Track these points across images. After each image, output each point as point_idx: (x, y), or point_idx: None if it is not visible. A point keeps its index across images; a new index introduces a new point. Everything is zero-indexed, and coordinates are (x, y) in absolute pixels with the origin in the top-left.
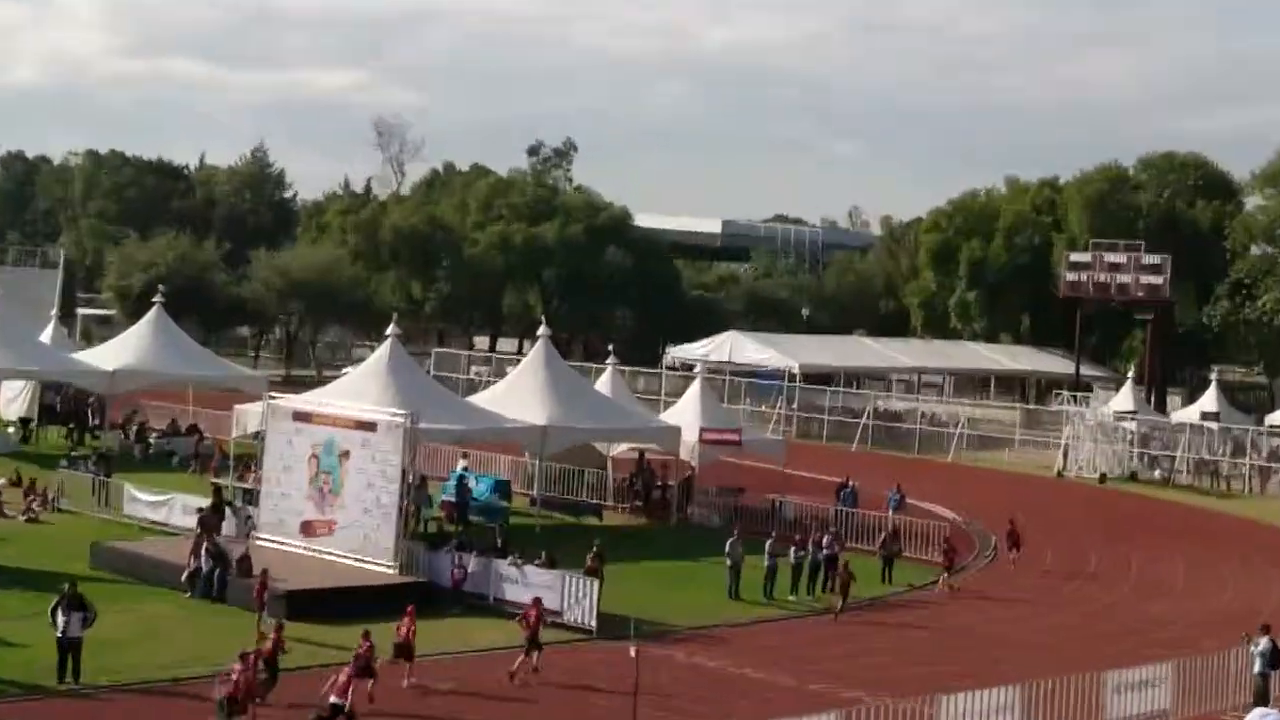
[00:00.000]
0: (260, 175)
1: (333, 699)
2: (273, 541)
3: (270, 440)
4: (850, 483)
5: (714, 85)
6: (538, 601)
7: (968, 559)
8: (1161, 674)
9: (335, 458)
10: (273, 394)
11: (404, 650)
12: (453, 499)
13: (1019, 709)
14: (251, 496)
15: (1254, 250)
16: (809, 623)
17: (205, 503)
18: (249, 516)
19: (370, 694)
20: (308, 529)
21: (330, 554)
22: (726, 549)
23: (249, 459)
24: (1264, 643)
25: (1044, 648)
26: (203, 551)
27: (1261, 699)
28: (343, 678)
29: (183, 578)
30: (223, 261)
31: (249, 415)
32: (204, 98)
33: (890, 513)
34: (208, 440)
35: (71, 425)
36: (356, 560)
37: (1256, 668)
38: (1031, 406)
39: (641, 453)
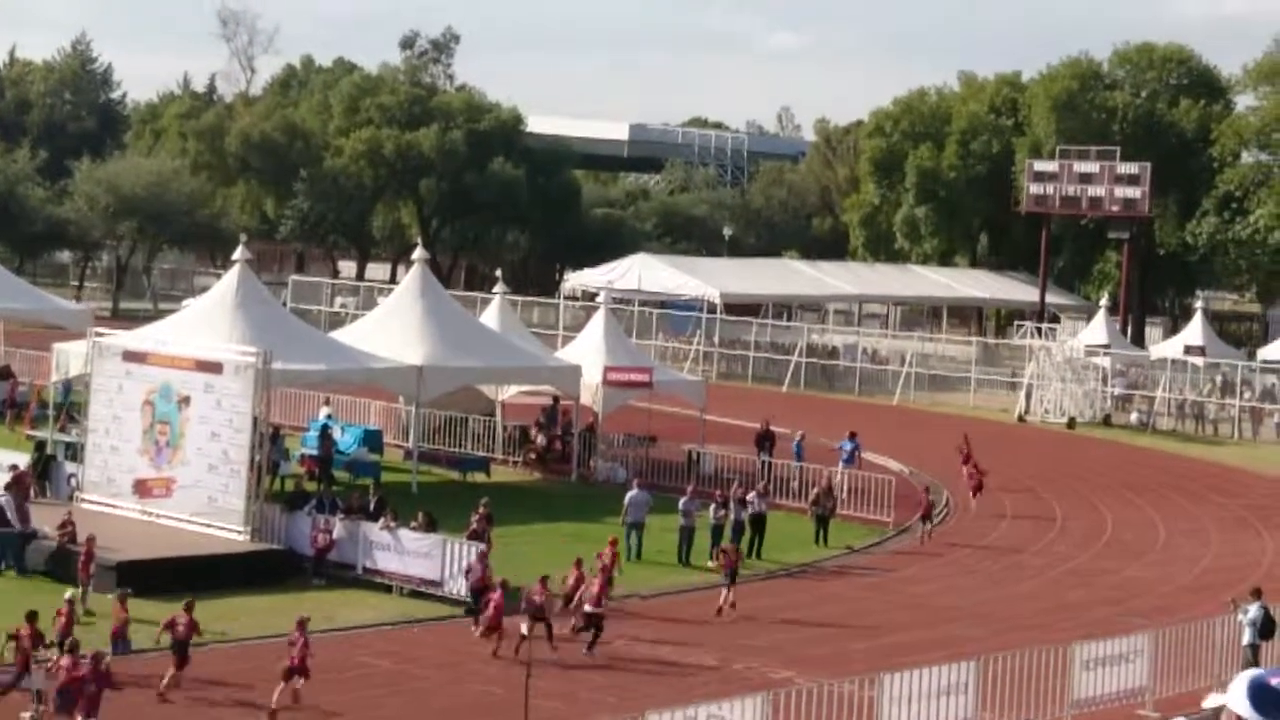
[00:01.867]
0: (82, 72)
1: (588, 608)
2: (101, 504)
3: (96, 385)
4: (800, 435)
5: None
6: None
7: (915, 518)
8: (1137, 646)
9: (173, 405)
10: (99, 330)
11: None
12: (314, 452)
13: (973, 689)
14: (75, 451)
15: (1245, 158)
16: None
17: (21, 459)
18: (72, 475)
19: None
20: (142, 489)
21: (169, 518)
22: (680, 506)
23: (73, 408)
24: (1254, 609)
25: (1003, 618)
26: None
27: None
28: (595, 588)
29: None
30: (39, 174)
31: (71, 356)
32: None
33: (841, 467)
34: (23, 385)
35: None
36: (200, 525)
37: (1246, 638)
38: (990, 341)
39: (556, 398)
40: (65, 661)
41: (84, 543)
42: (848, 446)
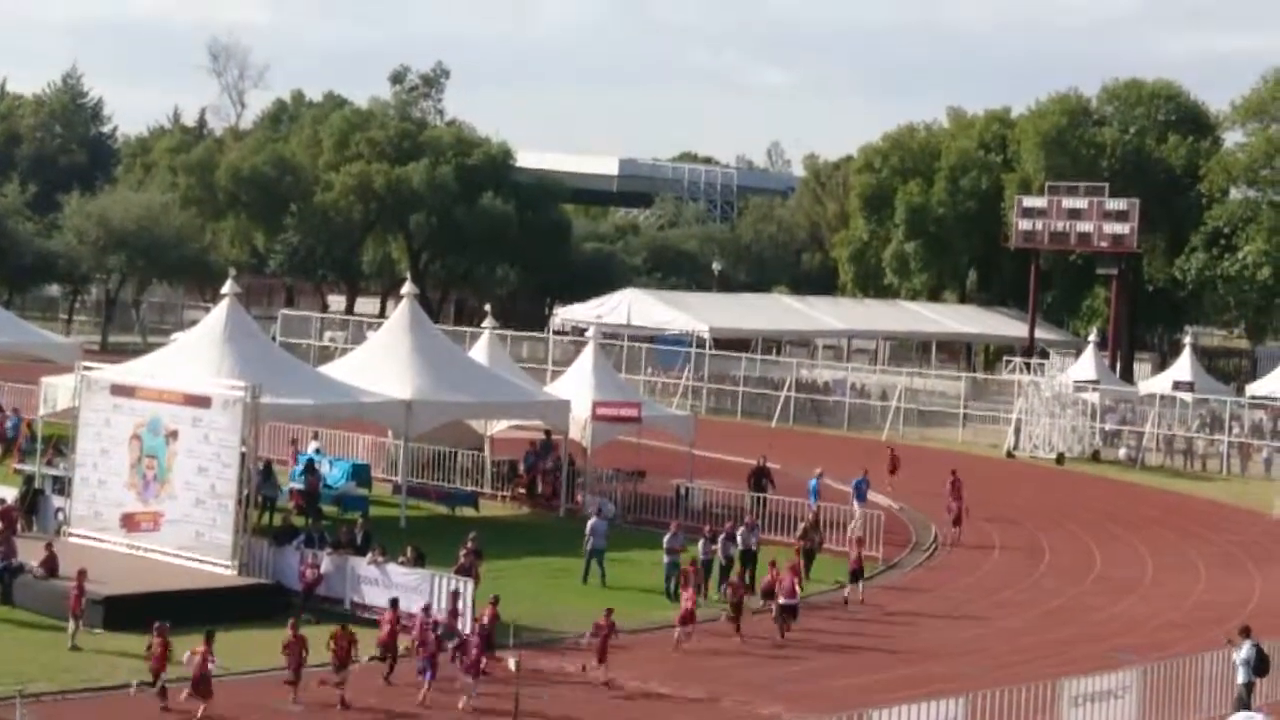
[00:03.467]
0: (73, 106)
1: (783, 600)
2: (88, 537)
3: (84, 418)
4: (818, 472)
5: (612, 3)
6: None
7: (904, 553)
8: (1126, 682)
9: (161, 439)
10: (87, 364)
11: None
12: (301, 487)
13: None
14: (63, 485)
15: (1233, 194)
16: (720, 627)
17: (8, 493)
18: (60, 509)
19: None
20: (129, 523)
21: (157, 552)
22: (665, 543)
23: (59, 441)
24: (1246, 648)
25: (992, 653)
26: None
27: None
28: (787, 581)
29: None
30: (28, 208)
31: (59, 389)
32: (3, 9)
33: (856, 505)
34: (11, 418)
35: None
36: (188, 559)
37: (1240, 678)
38: (979, 376)
39: (548, 432)
40: None
41: (74, 577)
42: (861, 484)
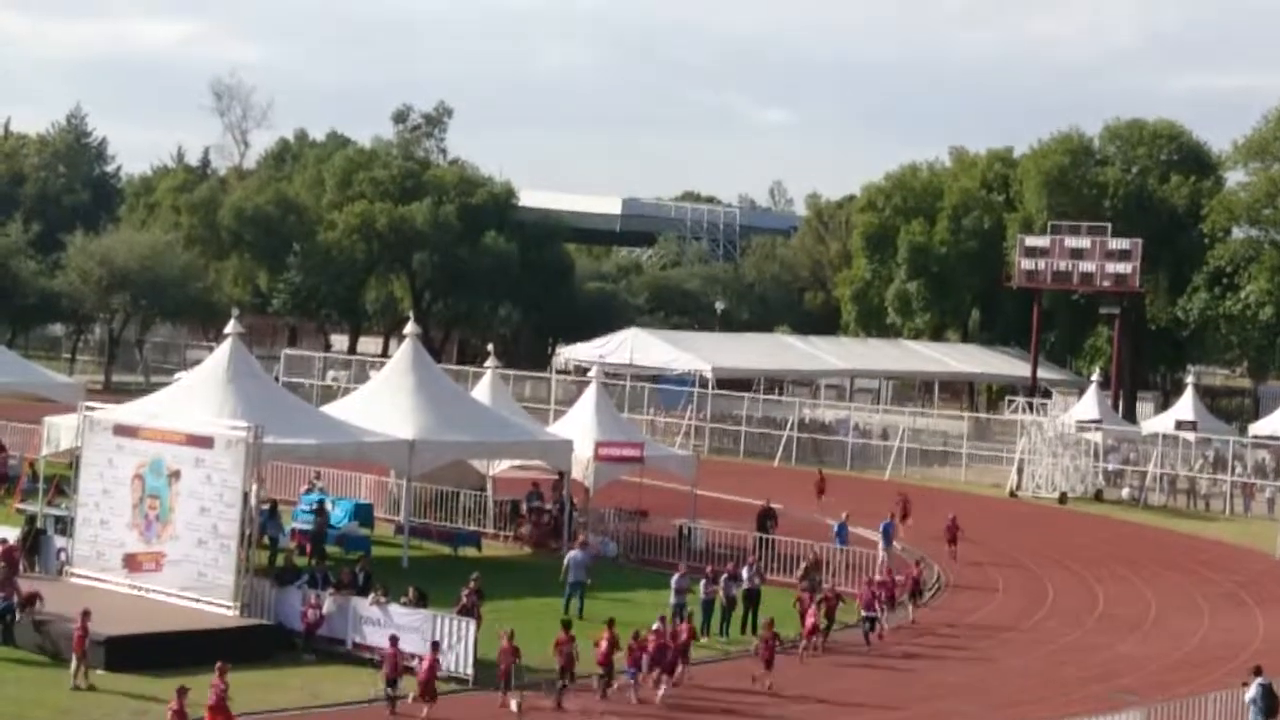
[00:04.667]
0: (77, 145)
1: (864, 612)
2: (90, 578)
3: (87, 458)
4: (845, 515)
5: (612, 42)
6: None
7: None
8: None
9: (164, 479)
10: (90, 404)
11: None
12: (305, 527)
13: None
14: (65, 525)
15: (1235, 233)
16: (723, 668)
17: (11, 533)
18: (62, 549)
19: None
20: (131, 563)
21: (159, 593)
22: (672, 583)
23: (61, 480)
24: (1254, 688)
25: (996, 694)
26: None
27: None
28: (866, 597)
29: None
30: (31, 248)
31: (61, 429)
32: (7, 52)
33: (882, 548)
34: (14, 458)
35: None
36: (190, 600)
37: (1250, 718)
38: (981, 415)
39: (561, 474)
40: None
41: (79, 617)
42: (888, 527)
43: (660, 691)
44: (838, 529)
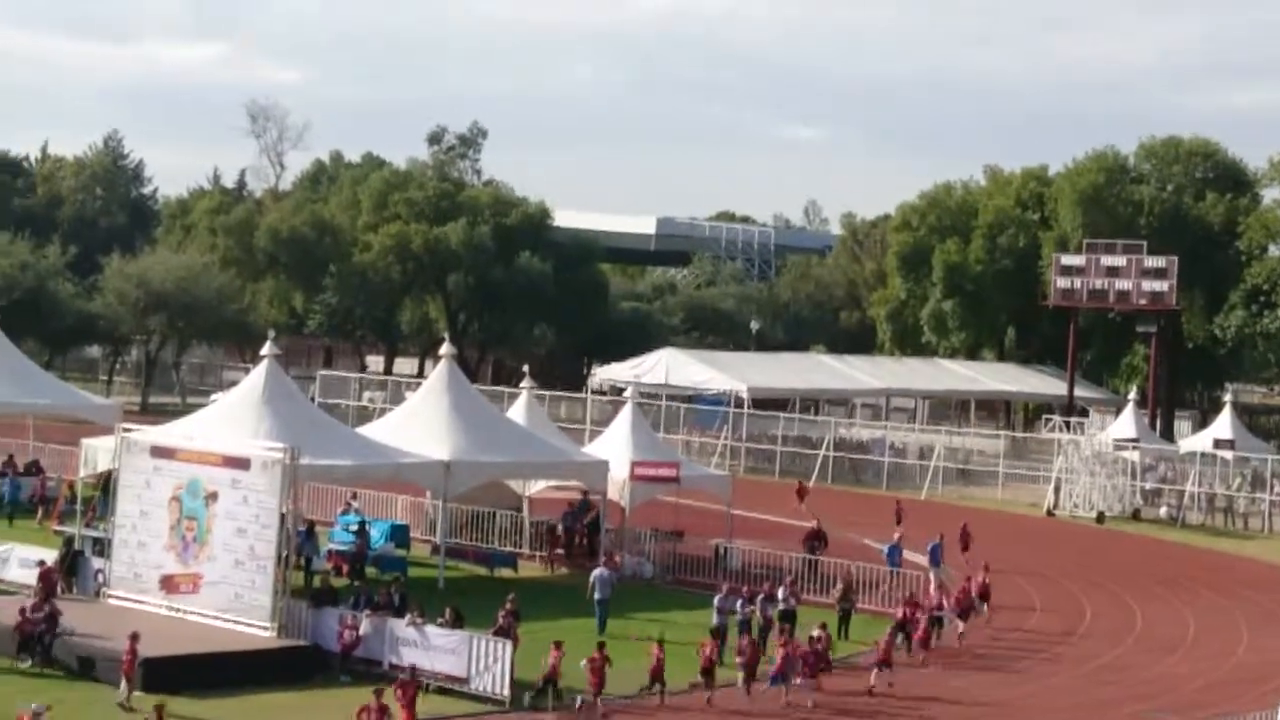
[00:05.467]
0: (113, 168)
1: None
2: (128, 599)
3: (124, 480)
4: (897, 537)
5: (646, 61)
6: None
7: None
8: None
9: (201, 501)
10: (127, 425)
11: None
12: (342, 548)
13: None
14: (103, 547)
15: (1272, 250)
16: (761, 689)
17: (49, 554)
18: (99, 570)
19: None
20: (169, 584)
21: (196, 614)
22: (715, 603)
23: (97, 501)
24: None
25: (1034, 714)
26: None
27: None
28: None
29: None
30: (69, 270)
31: (99, 451)
32: (46, 76)
33: (931, 570)
34: (52, 480)
35: None
36: (227, 621)
37: None
38: (1018, 434)
39: (585, 492)
40: None
41: (129, 639)
42: (936, 549)
43: (810, 699)
44: (889, 550)
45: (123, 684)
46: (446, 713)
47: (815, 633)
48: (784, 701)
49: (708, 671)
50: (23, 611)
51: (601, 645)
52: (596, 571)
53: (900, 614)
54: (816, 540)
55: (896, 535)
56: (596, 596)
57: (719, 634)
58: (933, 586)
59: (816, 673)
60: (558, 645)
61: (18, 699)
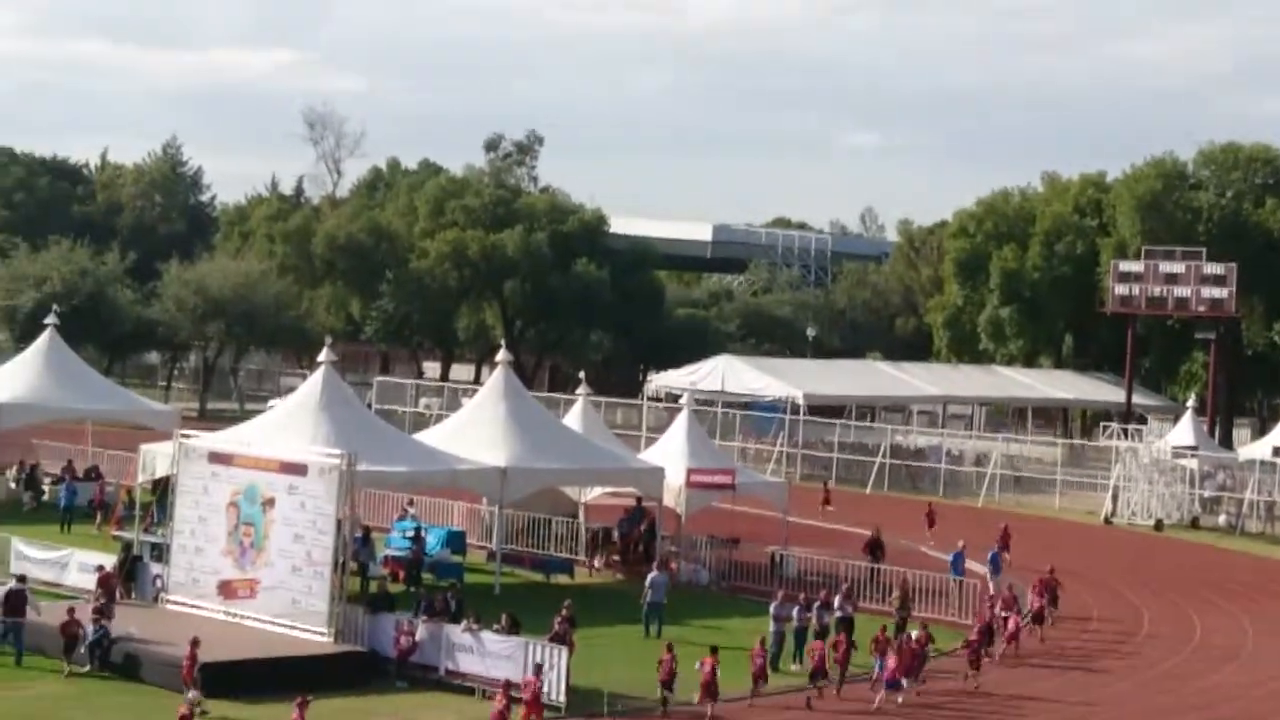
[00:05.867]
0: (172, 175)
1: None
2: (186, 604)
3: (183, 486)
4: (961, 545)
5: (703, 68)
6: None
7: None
8: None
9: (258, 506)
10: (185, 431)
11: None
12: (398, 554)
13: None
14: (161, 552)
15: None
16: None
17: (108, 559)
18: (158, 576)
19: None
20: (226, 590)
21: (253, 619)
22: (772, 611)
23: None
24: None
25: None
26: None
27: None
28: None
29: (80, 649)
30: (128, 276)
31: (157, 457)
32: (105, 84)
33: (991, 576)
34: (110, 485)
35: None
36: (284, 627)
37: None
38: (1075, 442)
39: (639, 499)
40: None
41: (189, 644)
42: (996, 557)
43: (899, 697)
44: (954, 559)
45: (192, 692)
46: None
47: (915, 633)
48: (899, 701)
49: (759, 677)
50: (70, 612)
51: (670, 646)
52: (651, 575)
53: (986, 617)
54: (876, 548)
55: (960, 544)
56: (650, 599)
57: (776, 640)
58: (991, 593)
59: (915, 672)
60: (670, 649)
61: (66, 701)
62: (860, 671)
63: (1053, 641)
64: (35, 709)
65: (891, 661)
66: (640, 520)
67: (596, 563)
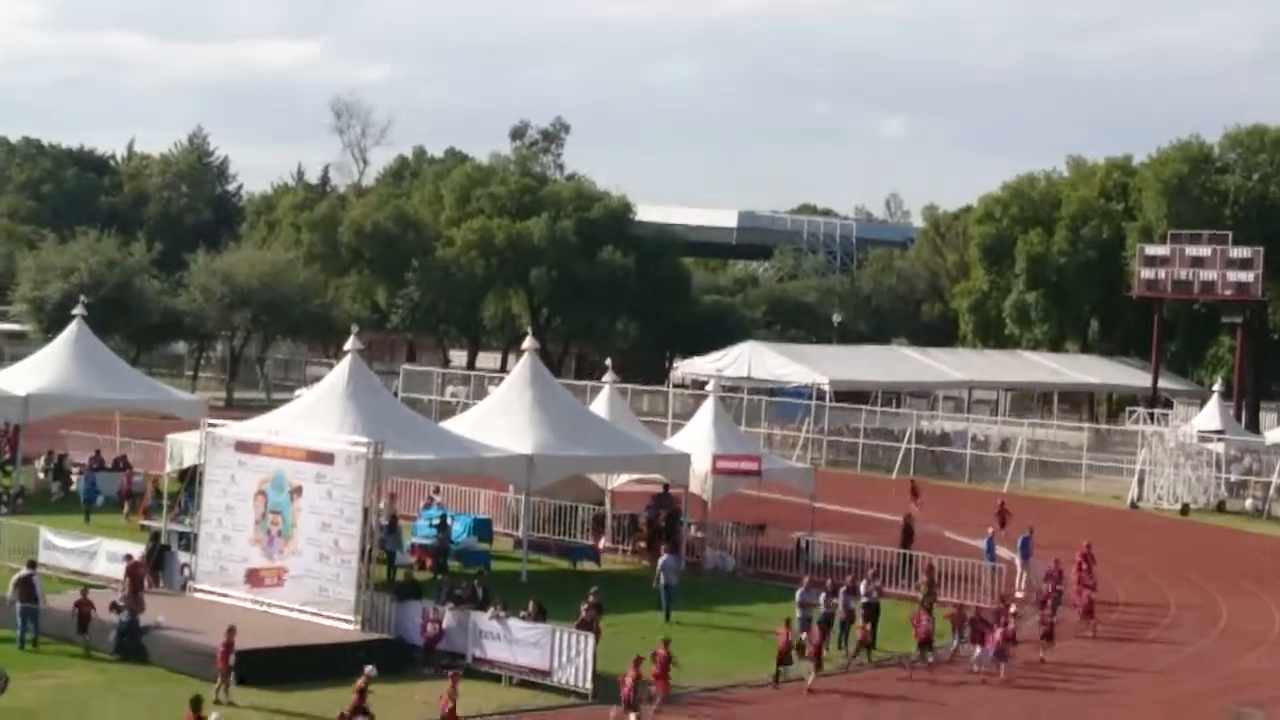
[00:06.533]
0: (199, 165)
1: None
2: (214, 593)
3: (210, 475)
4: (1029, 530)
5: (728, 56)
6: None
7: (1025, 607)
8: None
9: (285, 495)
10: (212, 421)
11: None
12: (424, 541)
13: None
14: (189, 541)
15: None
16: (842, 681)
17: (136, 549)
18: (186, 565)
19: None
20: (254, 578)
21: (281, 608)
22: (798, 597)
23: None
24: None
25: (1119, 706)
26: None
27: None
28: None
29: (111, 634)
30: (155, 266)
31: (185, 446)
32: (132, 75)
33: (1019, 561)
34: (138, 475)
35: None
36: (311, 615)
37: None
38: (1101, 426)
39: (666, 485)
40: None
41: (225, 633)
42: (1027, 541)
43: (974, 656)
44: (987, 544)
45: (233, 682)
46: (529, 706)
47: (1014, 609)
48: (1001, 675)
49: (783, 659)
50: (84, 592)
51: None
52: (663, 559)
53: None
54: (907, 535)
55: (991, 530)
56: (663, 582)
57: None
58: (1018, 579)
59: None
60: (787, 623)
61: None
62: (884, 656)
63: (1074, 626)
64: (64, 698)
65: (996, 633)
66: (665, 507)
67: (602, 543)
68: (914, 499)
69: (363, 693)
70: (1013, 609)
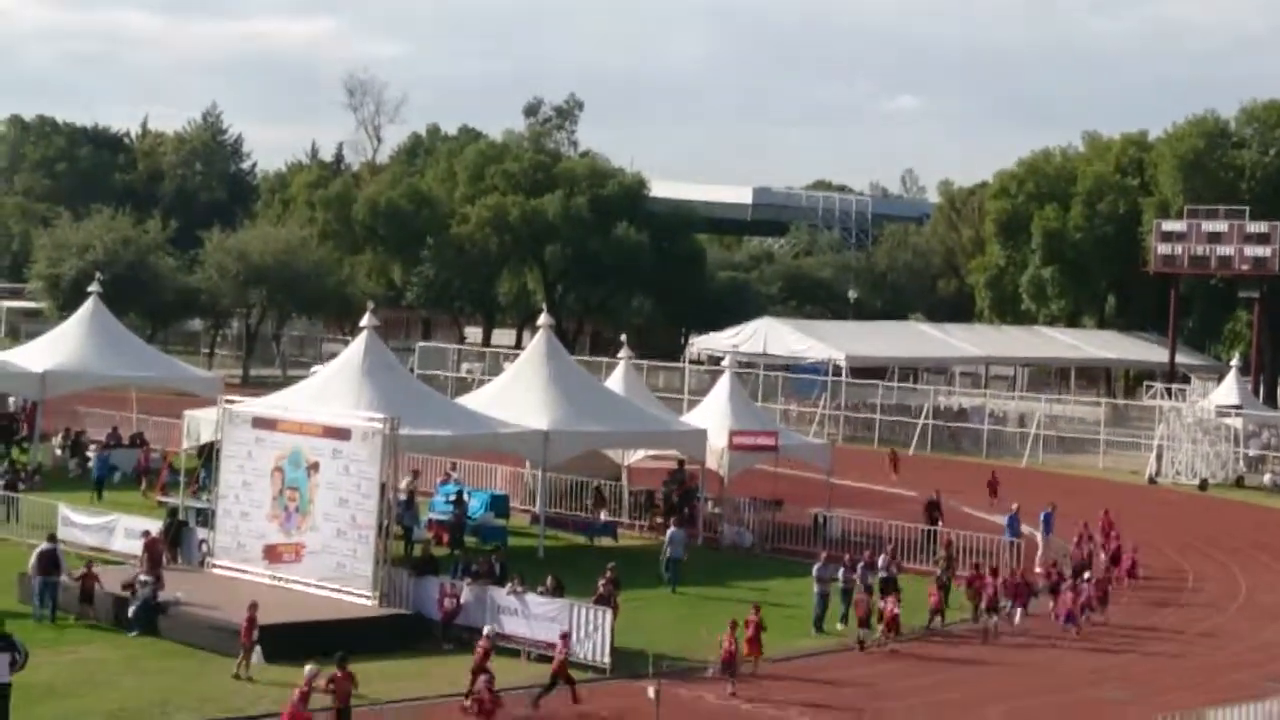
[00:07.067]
0: (213, 143)
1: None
2: (231, 569)
3: (227, 451)
4: (1051, 506)
5: (744, 33)
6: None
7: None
8: (1273, 712)
9: (302, 471)
10: (229, 397)
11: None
12: (442, 517)
13: None
14: (206, 517)
15: None
16: (861, 656)
17: (153, 525)
18: (204, 541)
19: None
20: (272, 554)
21: (299, 583)
22: (814, 572)
23: (199, 473)
24: None
25: (1136, 681)
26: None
27: None
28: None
29: (130, 612)
30: (170, 244)
31: (202, 423)
32: (146, 53)
33: (1041, 537)
34: (155, 451)
35: None
36: (329, 590)
37: None
38: (1119, 401)
39: (682, 462)
40: None
41: (248, 609)
42: (1049, 516)
43: (1016, 618)
44: (1009, 520)
45: (256, 655)
46: (547, 680)
47: (1087, 575)
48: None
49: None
50: (89, 565)
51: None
52: (670, 531)
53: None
54: (935, 510)
55: (1014, 505)
56: (670, 555)
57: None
58: (1039, 554)
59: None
60: (869, 591)
61: (114, 665)
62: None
63: (1095, 600)
64: (85, 672)
65: (1067, 597)
66: (679, 483)
67: (603, 515)
68: (894, 470)
69: (487, 652)
70: (1086, 575)
